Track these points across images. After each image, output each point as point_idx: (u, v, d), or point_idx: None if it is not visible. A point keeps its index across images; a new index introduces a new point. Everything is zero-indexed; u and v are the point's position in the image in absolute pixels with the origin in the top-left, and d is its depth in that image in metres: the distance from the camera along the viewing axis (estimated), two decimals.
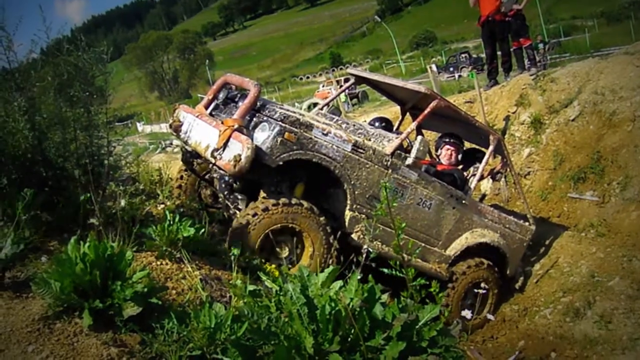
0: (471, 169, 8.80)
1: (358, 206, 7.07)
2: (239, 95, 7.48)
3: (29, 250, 4.38)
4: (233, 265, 4.57)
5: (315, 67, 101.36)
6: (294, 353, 2.61)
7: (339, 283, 3.28)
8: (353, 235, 7.05)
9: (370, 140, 7.39)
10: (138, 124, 61.14)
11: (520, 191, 9.47)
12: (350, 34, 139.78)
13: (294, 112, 6.82)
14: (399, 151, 7.26)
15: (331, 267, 3.52)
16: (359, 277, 3.21)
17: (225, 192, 7.14)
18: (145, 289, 3.72)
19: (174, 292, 4.48)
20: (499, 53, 13.78)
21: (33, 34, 5.36)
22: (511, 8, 13.04)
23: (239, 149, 6.02)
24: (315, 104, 27.35)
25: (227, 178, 7.19)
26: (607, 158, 10.16)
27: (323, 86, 46.47)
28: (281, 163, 6.39)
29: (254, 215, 6.40)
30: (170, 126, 7.80)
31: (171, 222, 5.64)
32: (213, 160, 6.39)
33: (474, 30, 16.27)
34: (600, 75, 11.89)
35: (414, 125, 7.81)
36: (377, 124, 9.10)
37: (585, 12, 75.15)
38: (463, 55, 51.91)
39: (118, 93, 7.07)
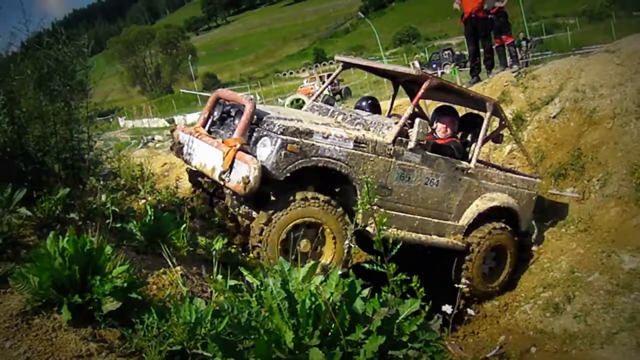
0: (471, 133, 8.85)
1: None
2: (233, 110, 7.39)
3: (8, 245, 4.34)
4: (214, 260, 4.56)
5: (299, 63, 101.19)
6: (274, 347, 2.60)
7: (320, 278, 3.27)
8: (368, 228, 7.05)
9: (369, 130, 7.42)
10: (120, 119, 60.67)
11: (522, 147, 9.68)
12: (334, 29, 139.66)
13: (292, 119, 6.75)
14: (399, 137, 7.28)
15: (312, 262, 3.52)
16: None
17: (238, 207, 7.07)
18: (125, 284, 3.70)
19: (154, 287, 4.47)
20: (481, 50, 13.82)
21: (12, 27, 5.31)
22: (494, 5, 13.08)
23: (245, 170, 6.02)
24: (298, 100, 27.28)
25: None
26: (587, 155, 10.22)
27: (307, 82, 46.47)
28: (288, 175, 6.45)
29: (272, 214, 6.44)
30: (171, 148, 7.77)
31: (152, 217, 5.62)
32: (222, 183, 6.37)
33: (457, 27, 16.39)
34: (581, 73, 11.96)
35: (409, 109, 7.73)
36: (364, 103, 9.07)
37: (567, 11, 75.64)
38: (446, 52, 52.11)
39: (99, 87, 7.01)
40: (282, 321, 2.75)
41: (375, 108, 8.83)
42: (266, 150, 6.43)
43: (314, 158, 6.58)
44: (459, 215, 8.17)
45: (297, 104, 26.58)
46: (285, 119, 6.70)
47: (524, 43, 26.73)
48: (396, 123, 7.45)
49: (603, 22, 50.06)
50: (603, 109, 10.68)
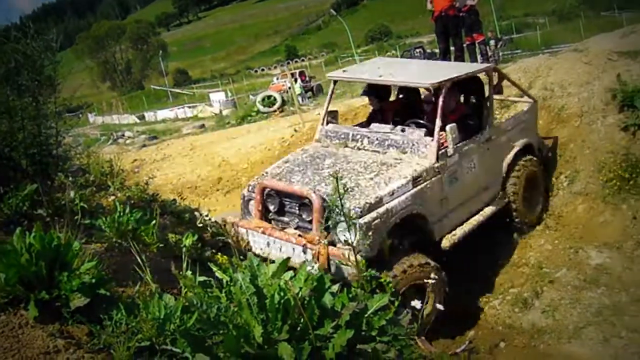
0: (473, 95, 9.13)
1: (437, 218, 7.66)
2: (289, 201, 7.42)
3: None
4: (183, 257, 4.53)
5: (270, 60, 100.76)
6: (242, 342, 2.60)
7: (289, 273, 3.27)
8: (443, 244, 7.72)
9: (406, 151, 7.70)
10: (89, 115, 60.01)
11: (513, 82, 10.12)
12: (306, 26, 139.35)
13: (358, 197, 6.86)
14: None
15: (283, 258, 3.51)
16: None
17: None
18: (93, 280, 3.67)
19: (123, 283, 4.44)
20: (452, 48, 13.87)
21: None
22: (465, 3, 13.13)
23: (350, 269, 6.04)
24: (269, 97, 27.19)
25: None
26: (555, 152, 10.34)
27: (277, 79, 46.34)
28: (378, 247, 6.70)
29: (403, 272, 6.75)
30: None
31: (121, 214, 5.58)
32: None
33: (428, 26, 16.57)
34: (550, 72, 12.10)
35: (439, 122, 7.67)
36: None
37: (537, 10, 76.25)
38: (417, 50, 52.15)
39: (68, 83, 6.92)
40: (251, 316, 2.75)
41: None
42: (351, 236, 6.52)
43: (392, 219, 6.86)
44: (497, 176, 8.90)
45: (269, 100, 26.51)
46: (354, 197, 6.81)
47: (492, 42, 26.91)
48: (426, 135, 7.77)
49: (572, 22, 50.64)
50: (571, 107, 10.83)
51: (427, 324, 7.23)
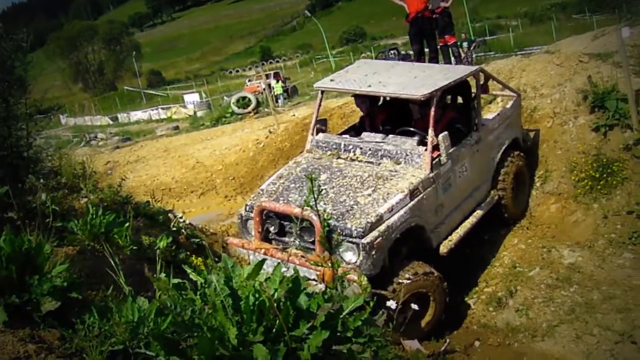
0: (460, 96, 9.35)
1: (434, 226, 7.82)
2: (288, 222, 7.41)
3: None
4: (157, 259, 4.49)
5: (245, 61, 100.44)
6: (217, 344, 2.58)
7: (265, 275, 3.25)
8: (441, 250, 7.88)
9: (400, 162, 7.78)
10: (61, 117, 59.36)
11: (496, 79, 10.09)
12: (281, 28, 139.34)
13: (359, 217, 6.91)
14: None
15: (258, 259, 3.50)
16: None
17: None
18: (65, 284, 3.63)
19: (96, 286, 4.38)
20: (426, 50, 13.93)
21: None
22: (438, 5, 13.19)
23: (355, 288, 5.99)
24: (244, 98, 27.10)
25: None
26: (529, 153, 10.44)
27: (250, 81, 46.25)
28: (382, 264, 6.82)
29: (408, 279, 6.89)
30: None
31: (94, 216, 5.52)
32: None
33: (403, 27, 16.66)
34: (523, 73, 12.22)
35: (431, 132, 7.72)
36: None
37: (509, 12, 77.13)
38: (392, 52, 52.18)
39: (39, 84, 6.84)
40: (226, 318, 2.73)
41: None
42: (355, 256, 6.68)
43: (392, 235, 6.95)
44: (488, 174, 9.09)
45: (243, 102, 26.42)
46: (355, 218, 6.88)
47: (465, 44, 27.07)
48: (419, 144, 7.89)
49: (544, 24, 51.31)
50: (543, 108, 10.96)
51: (427, 331, 7.34)
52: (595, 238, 8.95)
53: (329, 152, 8.30)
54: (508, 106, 9.96)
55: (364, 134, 8.49)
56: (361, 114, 9.60)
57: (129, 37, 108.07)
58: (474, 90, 9.19)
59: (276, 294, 2.83)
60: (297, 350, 2.69)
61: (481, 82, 9.16)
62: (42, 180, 6.46)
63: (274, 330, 2.72)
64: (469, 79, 9.01)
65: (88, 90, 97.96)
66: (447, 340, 7.37)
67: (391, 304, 4.07)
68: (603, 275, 8.29)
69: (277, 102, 31.86)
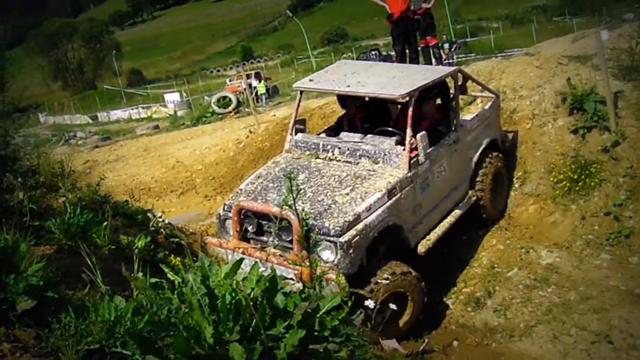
0: (439, 97, 9.19)
1: (412, 226, 7.82)
2: (266, 221, 7.40)
3: None
4: (135, 258, 4.47)
5: (226, 61, 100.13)
6: (193, 343, 2.57)
7: (242, 274, 3.25)
8: (419, 250, 7.91)
9: (378, 162, 7.77)
10: (40, 115, 58.87)
11: (475, 80, 10.24)
12: (262, 27, 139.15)
13: (336, 215, 6.91)
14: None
15: (235, 259, 3.49)
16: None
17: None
18: (41, 282, 3.60)
19: (73, 285, 4.35)
20: (406, 51, 13.96)
21: None
22: (420, 6, 13.24)
23: (333, 287, 5.98)
24: (224, 98, 27.03)
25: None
26: (507, 154, 10.51)
27: (231, 80, 46.15)
28: (360, 263, 6.84)
29: (386, 279, 6.90)
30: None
31: (71, 215, 5.48)
32: None
33: (384, 28, 16.71)
34: (502, 75, 12.31)
35: (409, 131, 7.74)
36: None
37: (491, 14, 77.59)
38: (373, 53, 52.42)
39: (18, 82, 6.78)
40: (202, 317, 2.73)
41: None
42: (333, 255, 6.68)
43: (370, 234, 6.95)
44: (466, 174, 9.13)
45: (224, 101, 26.35)
46: (331, 216, 6.89)
47: (446, 45, 27.22)
48: (397, 144, 7.85)
49: (525, 27, 51.65)
50: (523, 110, 11.04)
51: (405, 331, 7.37)
52: (573, 239, 9.03)
53: (307, 152, 8.29)
54: (487, 107, 10.01)
55: (343, 134, 8.49)
56: (340, 114, 9.62)
57: (109, 36, 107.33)
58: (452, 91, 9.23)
59: (253, 293, 2.83)
60: (273, 349, 2.69)
61: (459, 83, 9.20)
62: (19, 179, 6.41)
63: (251, 329, 2.72)
64: (447, 79, 9.05)
65: (67, 88, 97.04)
66: (426, 340, 7.40)
67: (369, 303, 4.08)
68: (580, 276, 8.37)
69: (259, 101, 31.85)
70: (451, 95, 9.01)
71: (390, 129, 8.48)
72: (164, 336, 2.83)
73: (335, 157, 8.00)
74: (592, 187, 9.42)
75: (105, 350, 3.21)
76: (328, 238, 6.63)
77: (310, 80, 9.13)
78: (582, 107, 10.15)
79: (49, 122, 54.27)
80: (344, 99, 9.11)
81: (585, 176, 9.45)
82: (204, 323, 2.69)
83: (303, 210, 6.69)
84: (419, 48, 13.82)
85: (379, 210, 7.07)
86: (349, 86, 8.37)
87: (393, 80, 8.34)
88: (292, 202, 3.83)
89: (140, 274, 3.90)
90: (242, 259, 3.48)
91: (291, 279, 5.72)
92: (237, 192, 7.85)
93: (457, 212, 8.76)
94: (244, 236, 7.48)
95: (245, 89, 24.55)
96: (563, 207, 9.53)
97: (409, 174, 7.59)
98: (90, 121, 53.34)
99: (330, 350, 2.80)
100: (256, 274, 2.99)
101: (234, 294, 2.78)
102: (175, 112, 40.36)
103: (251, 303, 2.71)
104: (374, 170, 7.58)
